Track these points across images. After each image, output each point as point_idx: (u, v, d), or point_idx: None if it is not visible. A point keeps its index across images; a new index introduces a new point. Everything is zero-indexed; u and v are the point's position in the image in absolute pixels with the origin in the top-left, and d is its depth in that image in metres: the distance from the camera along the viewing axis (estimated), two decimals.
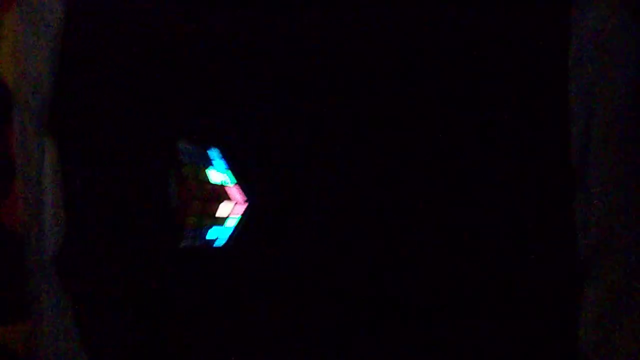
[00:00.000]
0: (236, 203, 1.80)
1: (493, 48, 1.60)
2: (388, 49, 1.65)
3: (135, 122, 1.98)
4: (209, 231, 1.82)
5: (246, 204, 1.81)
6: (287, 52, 1.79)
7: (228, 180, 1.82)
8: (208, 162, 1.82)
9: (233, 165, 1.83)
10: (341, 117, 1.74)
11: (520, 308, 1.67)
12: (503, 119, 1.64)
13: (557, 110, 1.60)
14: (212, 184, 1.81)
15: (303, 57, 1.76)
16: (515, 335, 1.66)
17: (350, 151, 1.74)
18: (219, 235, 1.84)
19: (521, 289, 1.67)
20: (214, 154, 1.85)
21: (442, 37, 1.65)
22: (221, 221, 1.82)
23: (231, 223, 1.83)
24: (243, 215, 1.82)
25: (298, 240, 1.82)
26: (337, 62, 1.73)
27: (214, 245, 1.86)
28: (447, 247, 1.66)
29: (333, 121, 1.75)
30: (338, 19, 1.72)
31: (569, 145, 1.59)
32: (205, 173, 1.81)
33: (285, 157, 1.79)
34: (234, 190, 1.81)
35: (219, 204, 1.80)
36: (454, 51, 1.61)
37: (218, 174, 1.82)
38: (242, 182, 1.82)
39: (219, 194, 1.80)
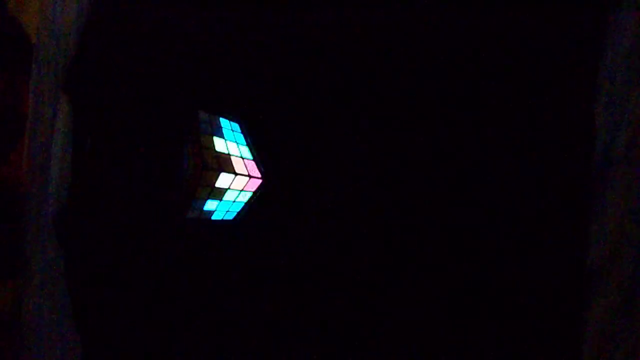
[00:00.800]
0: (251, 178, 1.77)
1: (529, 57, 1.62)
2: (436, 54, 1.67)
3: (155, 87, 1.96)
4: (220, 204, 1.79)
5: (261, 181, 1.79)
6: (319, 39, 1.80)
7: (245, 155, 1.80)
8: (227, 134, 1.80)
9: (253, 141, 1.81)
10: (370, 104, 1.74)
11: (526, 317, 1.65)
12: (528, 126, 1.65)
13: (583, 121, 1.61)
14: (228, 156, 1.79)
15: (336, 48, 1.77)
16: (520, 345, 1.64)
17: (376, 140, 1.73)
18: (229, 208, 1.81)
19: (529, 296, 1.65)
20: (234, 126, 1.83)
21: (472, 43, 1.67)
22: (233, 195, 1.79)
23: (243, 198, 1.80)
24: (256, 191, 1.79)
25: (307, 221, 1.79)
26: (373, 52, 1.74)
27: (223, 218, 1.82)
28: (463, 247, 1.65)
29: (359, 109, 1.75)
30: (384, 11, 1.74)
31: (592, 153, 1.60)
32: (222, 145, 1.79)
33: (306, 139, 1.77)
34: (250, 165, 1.79)
35: (233, 178, 1.77)
36: (486, 57, 1.63)
37: (236, 147, 1.80)
38: (260, 158, 1.79)
39: (234, 167, 1.78)
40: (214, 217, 1.82)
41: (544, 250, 1.64)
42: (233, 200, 1.78)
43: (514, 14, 1.62)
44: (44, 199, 2.07)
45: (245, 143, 1.83)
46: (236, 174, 1.70)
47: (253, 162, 1.78)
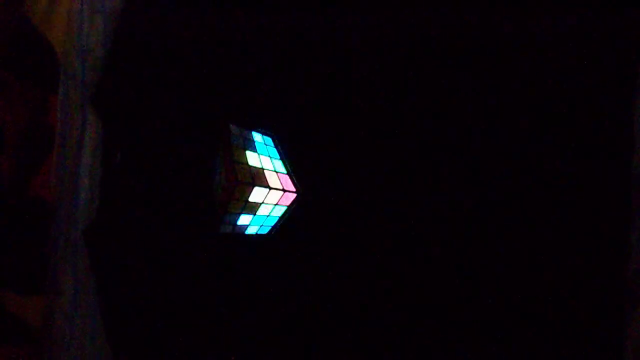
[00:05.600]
0: (285, 192, 1.77)
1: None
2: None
3: (185, 101, 1.96)
4: (253, 218, 1.79)
5: (295, 195, 1.79)
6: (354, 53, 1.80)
7: (279, 169, 1.80)
8: (260, 148, 1.80)
9: (287, 155, 1.80)
10: (410, 117, 1.74)
11: (566, 326, 1.65)
12: (566, 137, 1.65)
13: (622, 134, 1.61)
14: (261, 170, 1.79)
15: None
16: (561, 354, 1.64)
17: (415, 153, 1.73)
18: (263, 223, 1.81)
19: (569, 308, 1.65)
20: (267, 140, 1.83)
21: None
22: (267, 209, 1.78)
23: (277, 212, 1.80)
24: (290, 205, 1.79)
25: (341, 235, 1.79)
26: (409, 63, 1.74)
27: (256, 232, 1.82)
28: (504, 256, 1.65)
29: (396, 122, 1.75)
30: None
31: (631, 161, 1.60)
32: (255, 158, 1.79)
33: (340, 152, 1.77)
34: (284, 179, 1.79)
35: (267, 192, 1.77)
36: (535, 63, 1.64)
37: (269, 161, 1.80)
38: (295, 172, 1.79)
39: (268, 181, 1.78)
40: (247, 232, 1.82)
41: (584, 261, 1.64)
42: (267, 214, 1.78)
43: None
44: (74, 214, 2.06)
45: (278, 157, 1.83)
46: (270, 188, 1.70)
47: (287, 176, 1.78)
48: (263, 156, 1.78)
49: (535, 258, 1.65)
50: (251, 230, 1.80)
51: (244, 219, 1.78)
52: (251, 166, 1.75)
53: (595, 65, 1.61)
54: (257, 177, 1.73)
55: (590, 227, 1.61)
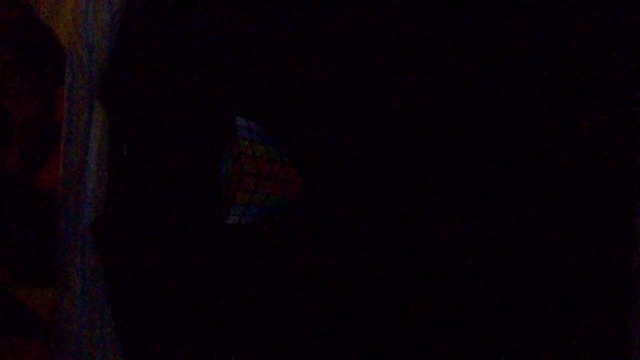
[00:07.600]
0: (290, 184, 1.78)
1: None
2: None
3: (191, 93, 1.97)
4: (259, 209, 1.79)
5: (300, 186, 1.79)
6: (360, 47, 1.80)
7: (284, 161, 1.80)
8: (266, 140, 1.81)
9: (291, 147, 1.81)
10: (410, 113, 1.74)
11: (572, 320, 1.64)
12: (571, 130, 1.64)
13: (625, 126, 1.60)
14: (267, 162, 1.79)
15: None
16: (566, 348, 1.63)
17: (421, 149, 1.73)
18: (269, 213, 1.81)
19: (574, 300, 1.64)
20: (273, 132, 1.83)
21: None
22: (273, 200, 1.79)
23: (283, 203, 1.80)
24: (296, 196, 1.79)
25: (347, 226, 1.79)
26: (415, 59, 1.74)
27: (262, 223, 1.82)
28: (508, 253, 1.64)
29: (402, 116, 1.75)
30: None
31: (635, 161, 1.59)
32: (261, 150, 1.79)
33: (346, 145, 1.77)
34: (289, 171, 1.79)
35: (273, 183, 1.77)
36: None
37: (275, 153, 1.80)
38: (299, 163, 1.79)
39: (274, 173, 1.78)
40: (253, 223, 1.83)
41: (586, 252, 1.63)
42: (273, 205, 1.78)
43: None
44: (81, 206, 2.07)
45: (284, 148, 1.83)
46: (276, 179, 1.70)
47: (292, 168, 1.78)
48: (268, 147, 1.78)
49: (538, 253, 1.64)
50: (257, 221, 1.80)
51: (250, 210, 1.78)
52: (256, 157, 1.75)
53: (598, 60, 1.60)
54: (263, 168, 1.73)
55: (593, 221, 1.60)
